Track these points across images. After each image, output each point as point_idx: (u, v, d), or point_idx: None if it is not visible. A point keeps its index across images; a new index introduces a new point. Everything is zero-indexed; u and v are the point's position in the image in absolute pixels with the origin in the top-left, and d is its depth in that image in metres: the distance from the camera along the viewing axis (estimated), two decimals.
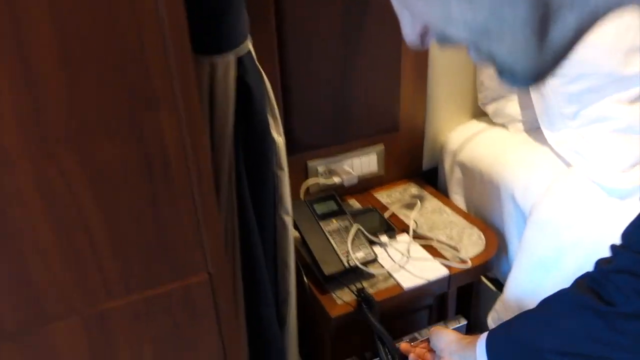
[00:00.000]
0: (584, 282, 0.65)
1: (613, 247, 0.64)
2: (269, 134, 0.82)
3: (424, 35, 0.45)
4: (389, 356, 0.94)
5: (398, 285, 1.00)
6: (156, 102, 0.50)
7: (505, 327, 0.72)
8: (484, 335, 0.74)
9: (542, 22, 0.38)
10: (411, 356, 0.87)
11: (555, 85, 1.03)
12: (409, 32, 0.46)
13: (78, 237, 0.52)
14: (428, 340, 0.86)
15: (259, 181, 0.84)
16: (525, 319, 0.70)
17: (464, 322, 1.06)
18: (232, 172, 0.80)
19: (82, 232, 0.52)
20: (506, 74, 0.43)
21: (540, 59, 0.40)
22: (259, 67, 0.78)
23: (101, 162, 0.50)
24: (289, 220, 0.90)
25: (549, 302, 0.68)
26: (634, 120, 0.97)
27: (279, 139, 0.85)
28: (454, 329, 0.88)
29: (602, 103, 1.02)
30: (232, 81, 0.73)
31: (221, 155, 0.78)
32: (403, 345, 0.90)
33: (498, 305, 1.07)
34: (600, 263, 0.65)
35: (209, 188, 0.56)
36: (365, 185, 1.33)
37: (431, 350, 0.86)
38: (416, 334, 1.00)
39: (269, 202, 0.87)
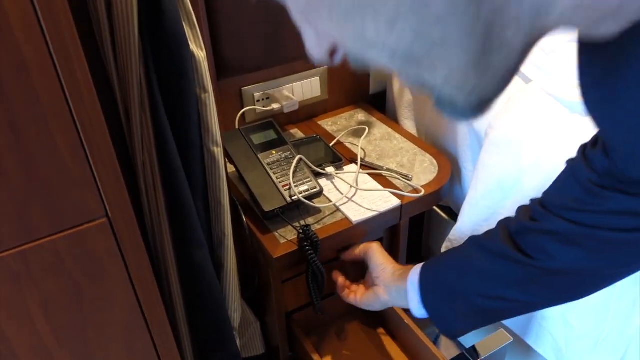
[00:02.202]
0: (506, 230, 0.66)
1: (534, 203, 0.64)
2: (186, 46, 0.67)
3: (333, 52, 0.35)
4: (318, 298, 0.92)
5: (346, 219, 0.91)
6: None
7: (436, 265, 0.74)
8: (416, 270, 0.75)
9: (482, 44, 0.29)
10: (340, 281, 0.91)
11: None
12: (314, 48, 0.35)
13: None
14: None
15: (178, 105, 0.71)
16: (455, 259, 0.72)
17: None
18: (143, 94, 0.66)
19: None
20: (445, 105, 0.34)
21: (483, 85, 0.32)
22: None
23: None
24: (218, 152, 0.78)
25: (475, 245, 0.69)
26: None
27: (200, 53, 0.70)
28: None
29: None
30: None
31: (127, 71, 0.64)
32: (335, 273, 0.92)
33: (452, 235, 1.01)
34: (520, 214, 0.66)
35: (93, 107, 0.43)
36: (309, 113, 1.21)
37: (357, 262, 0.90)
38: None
39: (192, 130, 0.74)
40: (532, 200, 0.65)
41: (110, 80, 0.65)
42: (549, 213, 0.60)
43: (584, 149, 0.60)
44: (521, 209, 0.67)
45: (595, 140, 0.58)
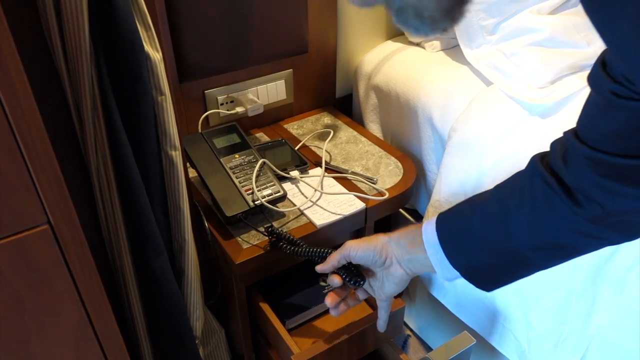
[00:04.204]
0: (549, 168, 0.55)
1: (569, 138, 0.53)
2: (140, 47, 0.65)
3: None
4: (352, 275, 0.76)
5: (311, 223, 0.90)
6: None
7: (459, 219, 0.64)
8: (429, 229, 0.66)
9: None
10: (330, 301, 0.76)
11: None
12: None
13: None
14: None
15: (133, 108, 0.68)
16: (484, 209, 0.61)
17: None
18: (95, 97, 0.64)
19: None
20: (409, 17, 0.34)
21: None
22: None
23: None
24: (177, 156, 0.76)
25: (515, 191, 0.59)
26: (556, 31, 0.90)
27: (155, 55, 0.69)
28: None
29: (523, 14, 0.94)
30: None
31: (78, 73, 0.61)
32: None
33: None
34: (557, 158, 0.54)
35: (30, 108, 0.41)
36: (274, 117, 1.19)
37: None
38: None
39: (149, 134, 0.72)
40: (568, 134, 0.54)
41: (62, 83, 0.63)
42: (584, 146, 0.51)
43: (602, 59, 0.49)
44: (556, 152, 0.55)
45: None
